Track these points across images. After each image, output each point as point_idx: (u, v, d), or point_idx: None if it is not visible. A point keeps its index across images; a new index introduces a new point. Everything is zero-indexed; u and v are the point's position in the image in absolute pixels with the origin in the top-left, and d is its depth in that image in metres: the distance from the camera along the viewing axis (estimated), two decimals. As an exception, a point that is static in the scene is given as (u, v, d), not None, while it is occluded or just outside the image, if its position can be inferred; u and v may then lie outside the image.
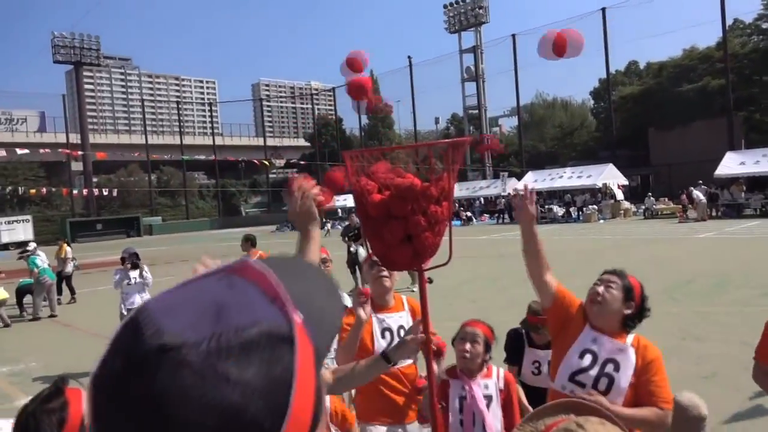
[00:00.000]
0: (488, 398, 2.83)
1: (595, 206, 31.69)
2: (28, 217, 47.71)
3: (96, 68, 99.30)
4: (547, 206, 33.88)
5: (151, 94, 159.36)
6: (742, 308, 8.73)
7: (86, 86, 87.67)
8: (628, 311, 2.54)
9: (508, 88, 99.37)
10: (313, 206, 1.73)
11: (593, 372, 2.43)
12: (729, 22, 38.82)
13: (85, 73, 68.60)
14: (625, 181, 34.74)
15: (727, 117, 35.47)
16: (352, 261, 12.65)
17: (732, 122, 35.28)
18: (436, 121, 74.99)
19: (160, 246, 35.86)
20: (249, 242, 8.97)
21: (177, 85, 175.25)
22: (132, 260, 8.14)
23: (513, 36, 47.04)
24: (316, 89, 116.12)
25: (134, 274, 8.07)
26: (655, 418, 2.38)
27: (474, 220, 37.04)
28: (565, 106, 65.29)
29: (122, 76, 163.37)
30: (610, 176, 33.45)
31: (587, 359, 2.46)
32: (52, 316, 12.94)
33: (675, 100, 40.77)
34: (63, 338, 10.71)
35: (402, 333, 3.08)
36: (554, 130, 58.48)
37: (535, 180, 37.02)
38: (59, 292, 14.76)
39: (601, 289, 2.55)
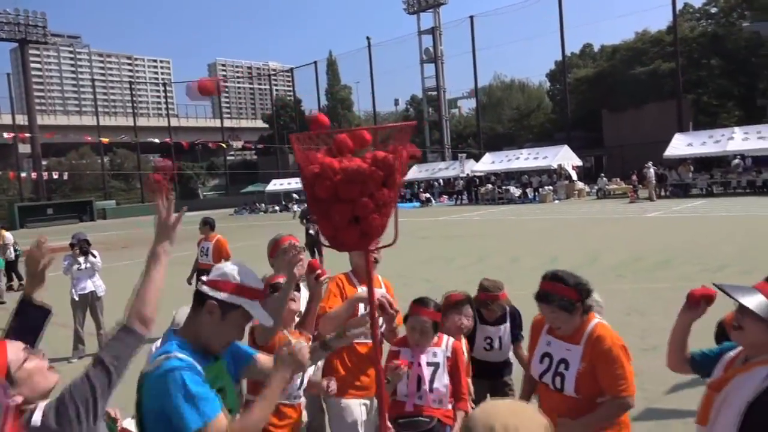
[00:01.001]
0: (435, 365, 3.04)
1: (550, 187, 32.36)
2: (-27, 202, 45.85)
3: (43, 46, 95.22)
4: (504, 187, 34.48)
5: (103, 74, 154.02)
6: (684, 284, 9.08)
7: (33, 65, 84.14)
8: (576, 312, 2.62)
9: (466, 70, 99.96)
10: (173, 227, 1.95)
11: (551, 373, 2.68)
12: (679, 6, 39.90)
13: (31, 51, 65.90)
14: (579, 162, 35.53)
15: (677, 99, 36.58)
16: (311, 243, 12.66)
17: (681, 104, 36.39)
18: (396, 102, 75.03)
19: (114, 230, 35.04)
20: (208, 226, 8.92)
21: (129, 64, 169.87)
22: (81, 245, 7.93)
23: (471, 18, 47.25)
24: (275, 70, 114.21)
25: (83, 259, 7.86)
26: (603, 411, 2.58)
27: (433, 201, 37.38)
28: (523, 88, 66.11)
29: (71, 55, 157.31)
30: (564, 157, 34.13)
31: (545, 362, 2.71)
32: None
33: (627, 82, 41.74)
34: (12, 326, 10.42)
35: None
36: (511, 111, 59.23)
37: (492, 161, 37.52)
38: (9, 278, 14.42)
39: (548, 313, 2.67)
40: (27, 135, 50.98)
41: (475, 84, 49.30)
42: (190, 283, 8.57)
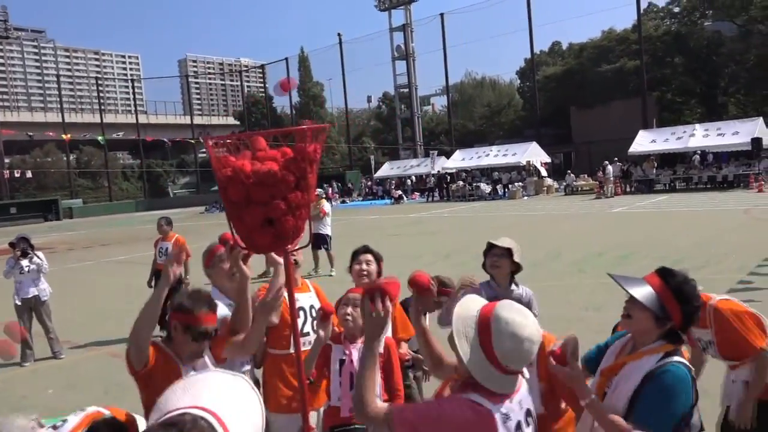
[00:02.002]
0: None
1: (519, 183, 32.69)
2: (-68, 201, 44.49)
3: (5, 41, 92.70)
4: (474, 184, 34.75)
5: (69, 70, 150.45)
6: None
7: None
8: None
9: (438, 67, 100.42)
10: None
11: None
12: (644, 5, 40.63)
13: (-8, 47, 64.02)
14: (547, 159, 35.94)
15: (642, 96, 37.28)
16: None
17: (646, 101, 37.11)
18: (368, 99, 74.90)
19: (80, 230, 34.37)
20: (166, 225, 8.78)
21: (97, 60, 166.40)
22: (21, 246, 7.53)
23: (441, 15, 47.40)
24: (246, 66, 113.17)
25: (26, 262, 7.47)
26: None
27: (405, 198, 37.48)
28: (493, 85, 66.62)
29: (35, 50, 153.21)
30: (533, 154, 34.49)
31: None
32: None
33: (595, 80, 42.44)
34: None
35: (313, 312, 3.30)
36: (483, 109, 59.66)
37: (462, 158, 37.77)
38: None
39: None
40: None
41: (446, 81, 49.54)
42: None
